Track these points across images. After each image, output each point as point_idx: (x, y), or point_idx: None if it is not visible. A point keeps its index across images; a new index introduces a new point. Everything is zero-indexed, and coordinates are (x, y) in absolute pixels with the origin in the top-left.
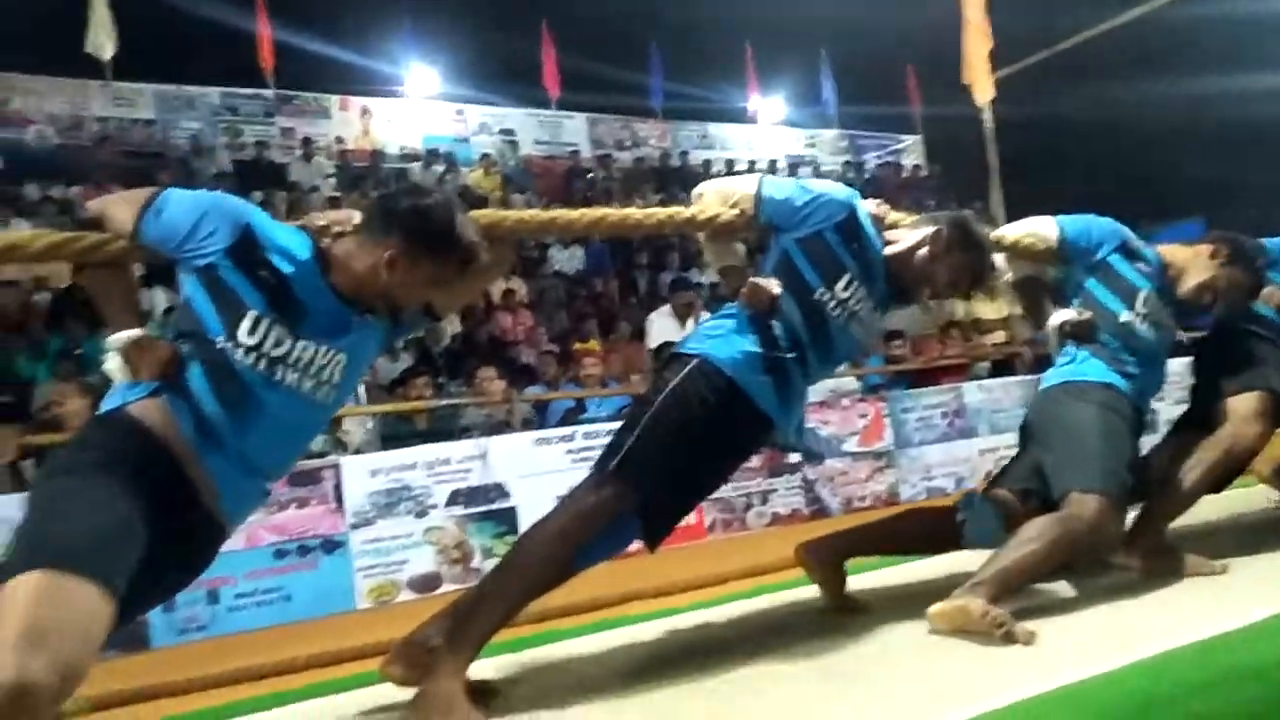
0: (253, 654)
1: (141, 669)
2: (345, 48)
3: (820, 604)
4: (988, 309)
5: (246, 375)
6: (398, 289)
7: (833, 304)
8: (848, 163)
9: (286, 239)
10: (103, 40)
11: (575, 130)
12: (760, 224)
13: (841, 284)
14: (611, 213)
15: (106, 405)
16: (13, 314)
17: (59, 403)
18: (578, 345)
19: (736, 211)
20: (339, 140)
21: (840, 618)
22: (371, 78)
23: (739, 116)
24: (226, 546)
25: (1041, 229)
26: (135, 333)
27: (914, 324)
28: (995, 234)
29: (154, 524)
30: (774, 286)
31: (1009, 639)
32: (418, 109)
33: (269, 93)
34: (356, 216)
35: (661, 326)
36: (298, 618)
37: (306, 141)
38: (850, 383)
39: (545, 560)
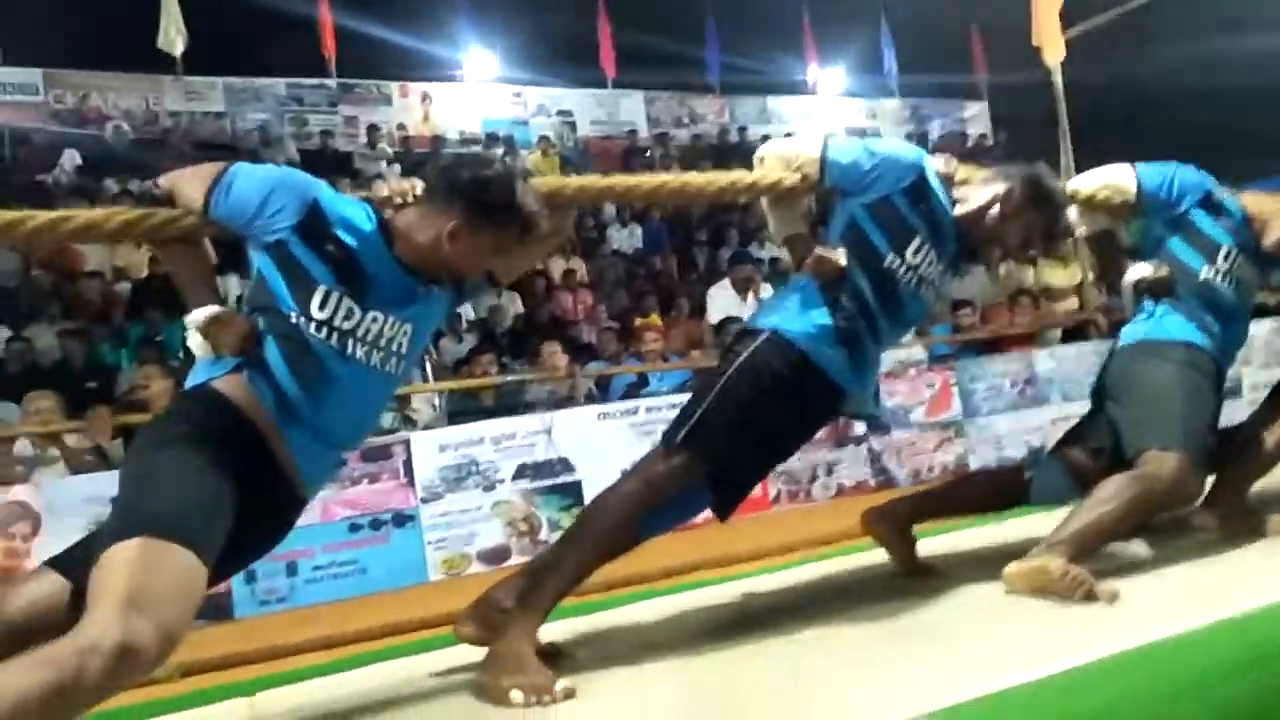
0: (330, 624)
1: (225, 638)
2: (405, 34)
3: (889, 568)
4: (1059, 275)
5: (319, 350)
6: (460, 259)
7: (903, 269)
8: (910, 134)
9: (351, 212)
10: (174, 36)
11: (632, 109)
12: (825, 188)
13: (912, 249)
14: (671, 179)
15: (192, 380)
16: (96, 303)
17: (144, 385)
18: (639, 320)
19: (799, 176)
20: (400, 127)
21: (910, 581)
22: (431, 63)
23: (798, 89)
24: (303, 521)
25: (1118, 179)
26: (214, 309)
27: (982, 292)
28: (1069, 186)
29: (239, 494)
30: (840, 257)
31: (1090, 598)
32: (477, 93)
33: (332, 82)
34: (418, 187)
35: (721, 301)
36: (372, 590)
37: (371, 129)
38: (917, 352)
39: (613, 527)
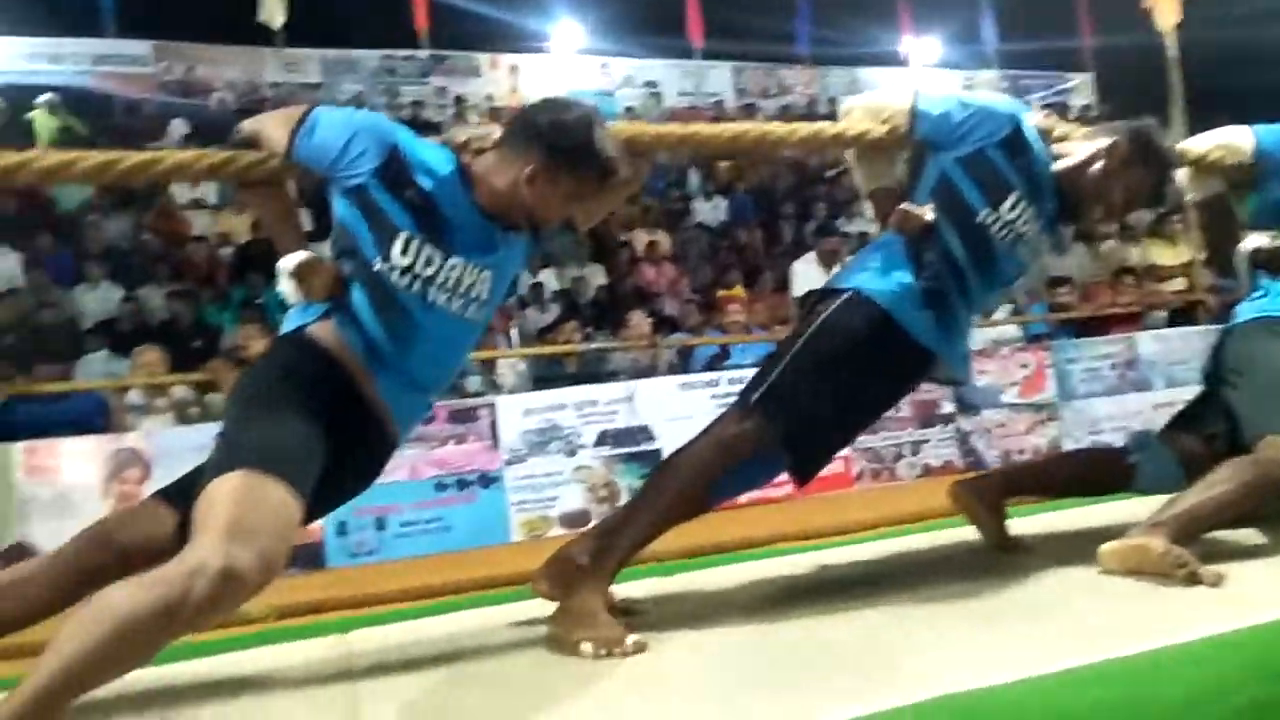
0: (415, 577)
1: (318, 585)
2: (495, 6)
3: (977, 544)
4: (1166, 254)
5: (402, 296)
6: (538, 204)
7: (997, 226)
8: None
9: (431, 156)
10: (274, 10)
11: (719, 80)
12: (915, 141)
13: (1007, 204)
14: (752, 127)
15: (287, 326)
16: (201, 267)
17: (245, 345)
18: (722, 291)
19: (886, 128)
20: (489, 98)
21: (1000, 556)
22: (520, 35)
23: (890, 60)
24: (392, 478)
25: (1235, 140)
26: (303, 255)
27: (1082, 270)
28: (1180, 146)
29: (333, 435)
30: (926, 213)
31: (1193, 580)
32: (564, 64)
33: (424, 54)
34: (497, 131)
35: (806, 274)
36: (456, 547)
37: (459, 100)
38: (1011, 331)
39: (683, 488)
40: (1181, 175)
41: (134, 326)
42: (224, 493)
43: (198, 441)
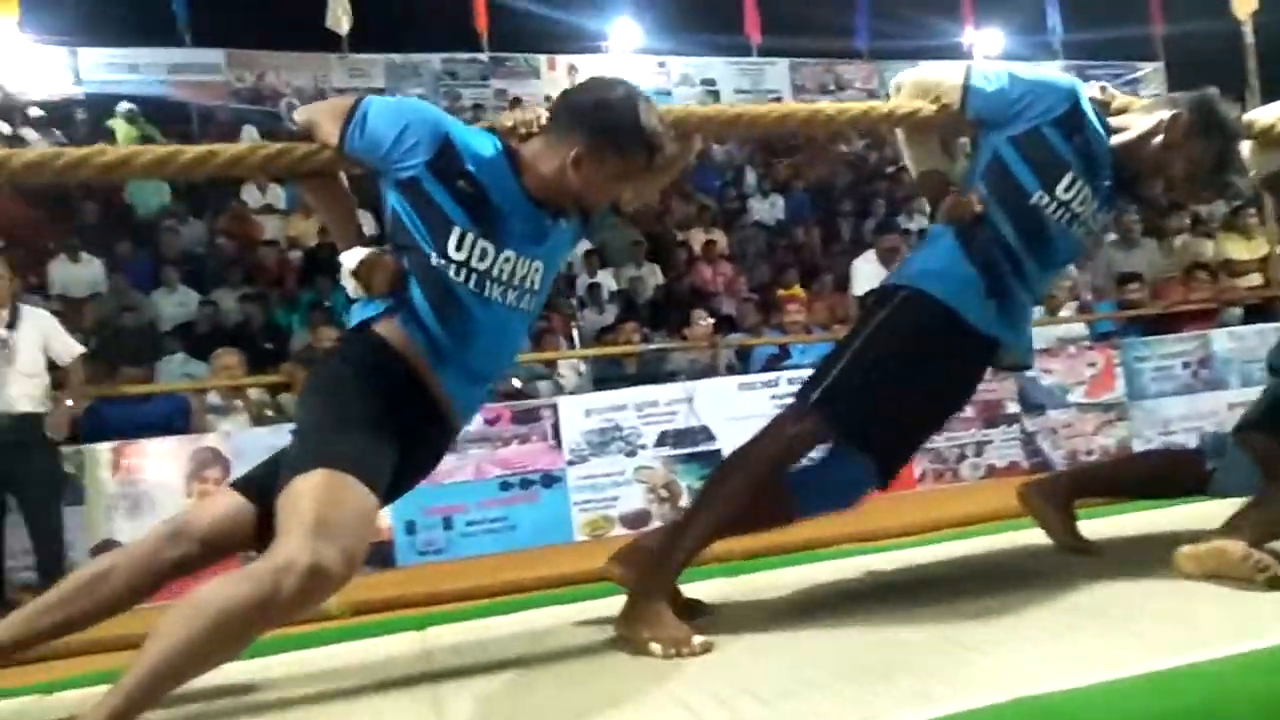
0: (483, 576)
1: (389, 583)
2: (553, 7)
3: (1045, 546)
4: (1241, 248)
5: (459, 292)
6: (585, 186)
7: (1052, 207)
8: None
9: (480, 144)
10: (340, 16)
11: (777, 76)
12: (967, 119)
13: (1063, 185)
14: (800, 107)
15: (352, 321)
16: (271, 271)
17: (317, 346)
18: (781, 291)
19: (937, 106)
20: (547, 99)
21: (1069, 558)
22: (578, 35)
23: (952, 53)
24: (459, 478)
25: None
26: (365, 251)
27: (1154, 265)
28: (1247, 117)
29: (401, 429)
30: (975, 201)
31: (1274, 584)
32: (621, 64)
33: (484, 56)
34: (543, 116)
35: (866, 273)
36: (521, 546)
37: (515, 102)
38: (1078, 329)
39: (744, 487)
40: (1247, 149)
41: (209, 329)
42: (307, 491)
43: (273, 442)
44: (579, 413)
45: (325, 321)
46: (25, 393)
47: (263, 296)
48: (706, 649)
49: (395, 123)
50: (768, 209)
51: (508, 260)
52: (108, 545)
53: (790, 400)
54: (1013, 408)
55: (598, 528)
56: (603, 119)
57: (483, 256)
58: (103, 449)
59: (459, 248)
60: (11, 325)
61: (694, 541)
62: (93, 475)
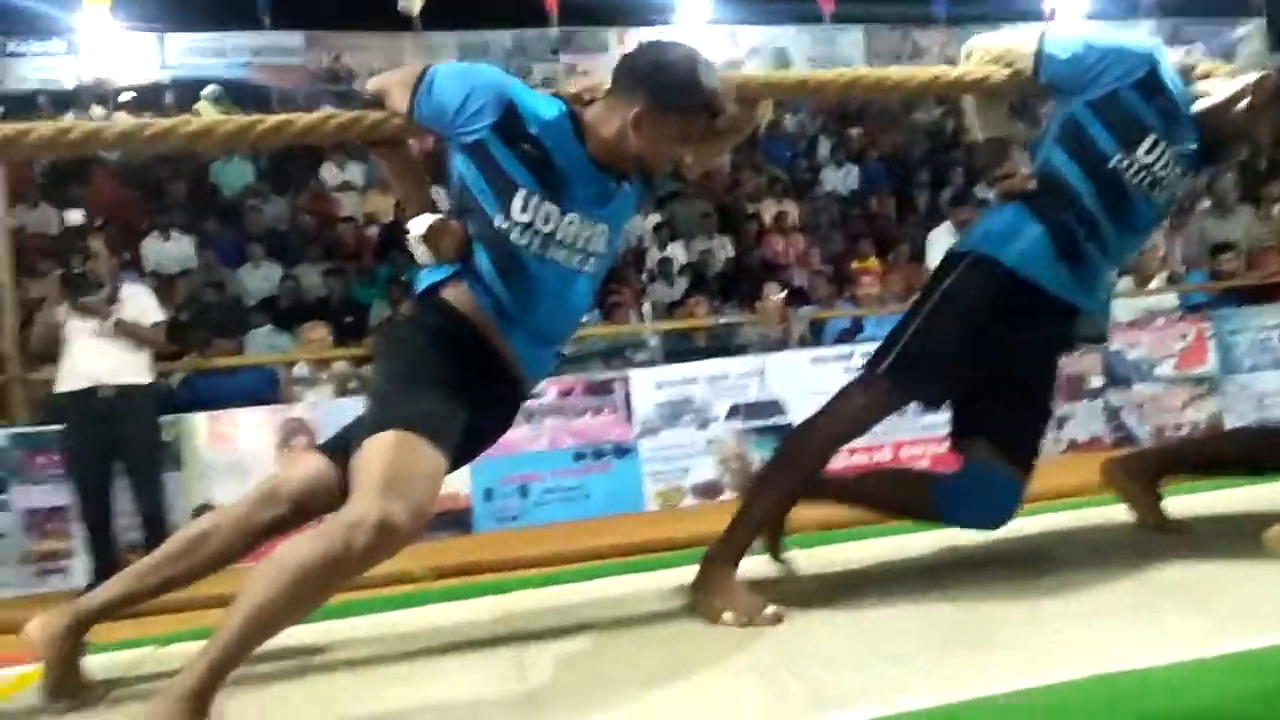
0: (557, 543)
1: (468, 549)
2: None
3: (1130, 524)
4: None
5: (522, 254)
6: (646, 147)
7: (1133, 170)
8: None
9: (544, 109)
10: None
11: (851, 44)
12: (1040, 85)
13: (1143, 148)
14: (867, 73)
15: (420, 286)
16: (350, 246)
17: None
18: (855, 263)
19: (1008, 72)
20: None
21: (1154, 536)
22: (647, 8)
23: (1035, 16)
24: (534, 447)
25: None
26: (433, 217)
27: (1250, 234)
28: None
29: (472, 391)
30: (1028, 181)
31: None
32: (691, 36)
33: (554, 31)
34: (607, 82)
35: (942, 244)
36: (594, 514)
37: (584, 74)
38: (1168, 300)
39: (812, 457)
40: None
41: (292, 303)
42: (377, 451)
43: (357, 411)
44: (650, 385)
45: (403, 295)
46: (128, 365)
47: (342, 271)
48: (779, 619)
49: (461, 88)
50: (841, 179)
51: (571, 222)
52: (205, 509)
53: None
54: (1097, 381)
55: (669, 498)
56: (661, 79)
57: (546, 219)
58: (199, 418)
59: (523, 210)
60: (112, 301)
61: (761, 513)
62: (189, 443)
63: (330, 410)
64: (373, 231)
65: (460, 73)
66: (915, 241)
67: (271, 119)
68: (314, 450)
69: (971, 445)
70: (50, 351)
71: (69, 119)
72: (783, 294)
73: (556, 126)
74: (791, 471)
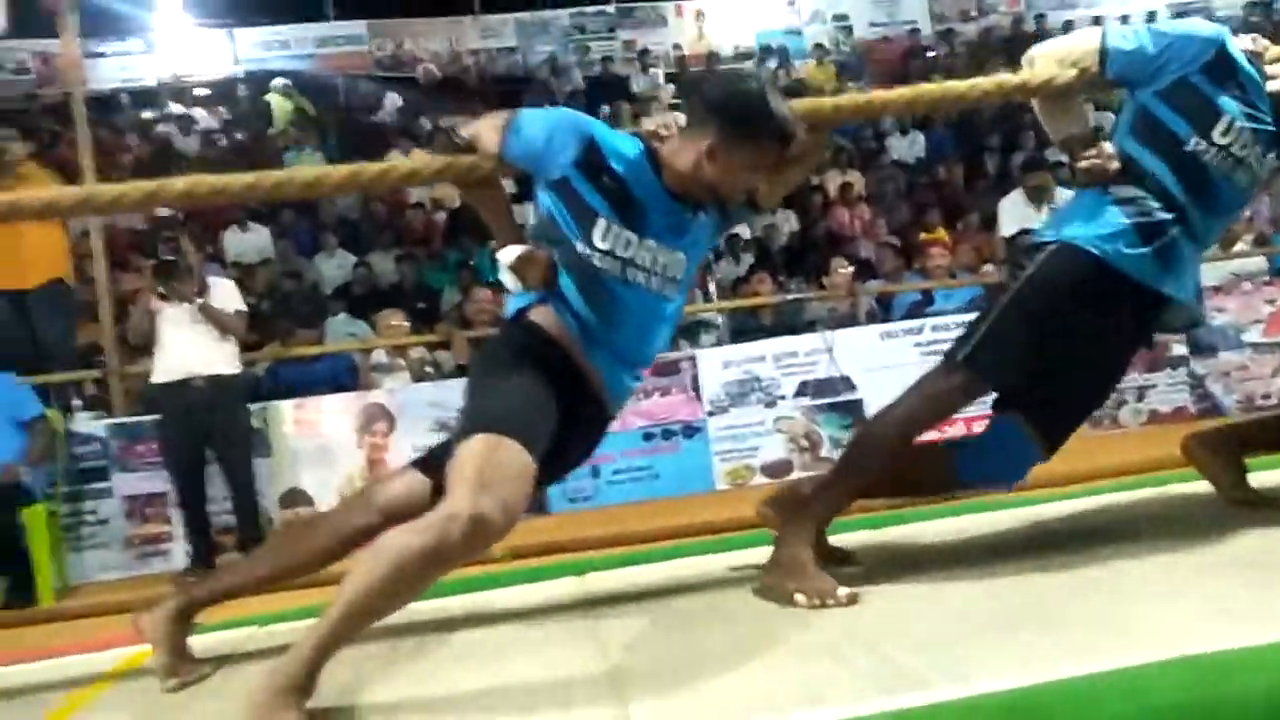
0: (629, 522)
1: (544, 529)
2: None
3: (1213, 500)
4: None
5: (605, 278)
6: (720, 178)
7: (1211, 153)
8: (1252, 3)
9: (623, 145)
10: None
11: (913, 5)
12: (1107, 80)
13: (1219, 129)
14: (929, 89)
15: (509, 310)
16: (419, 232)
17: (473, 309)
18: (923, 235)
19: (1074, 72)
20: (676, 47)
21: (1240, 514)
22: None
23: None
24: None
25: None
26: (522, 248)
27: None
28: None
29: (559, 408)
30: (1111, 162)
31: None
32: (750, 5)
33: (611, 8)
34: (681, 119)
35: (1013, 212)
36: (664, 494)
37: (643, 53)
38: (1255, 263)
39: (891, 445)
40: None
41: (366, 290)
42: (471, 453)
43: (434, 397)
44: (718, 364)
45: (473, 281)
46: (219, 356)
47: (413, 257)
48: (852, 601)
49: (545, 129)
50: (907, 147)
51: (649, 250)
52: (293, 493)
53: (935, 348)
54: (1180, 350)
55: (739, 477)
56: (733, 109)
57: (626, 246)
58: (285, 406)
59: (604, 238)
60: (201, 291)
61: (839, 497)
62: (276, 430)
63: (408, 395)
64: (441, 217)
65: (544, 115)
66: (985, 210)
67: (375, 166)
68: (408, 465)
69: (1009, 414)
70: (146, 342)
71: (149, 115)
72: (849, 268)
73: (634, 161)
74: (867, 461)
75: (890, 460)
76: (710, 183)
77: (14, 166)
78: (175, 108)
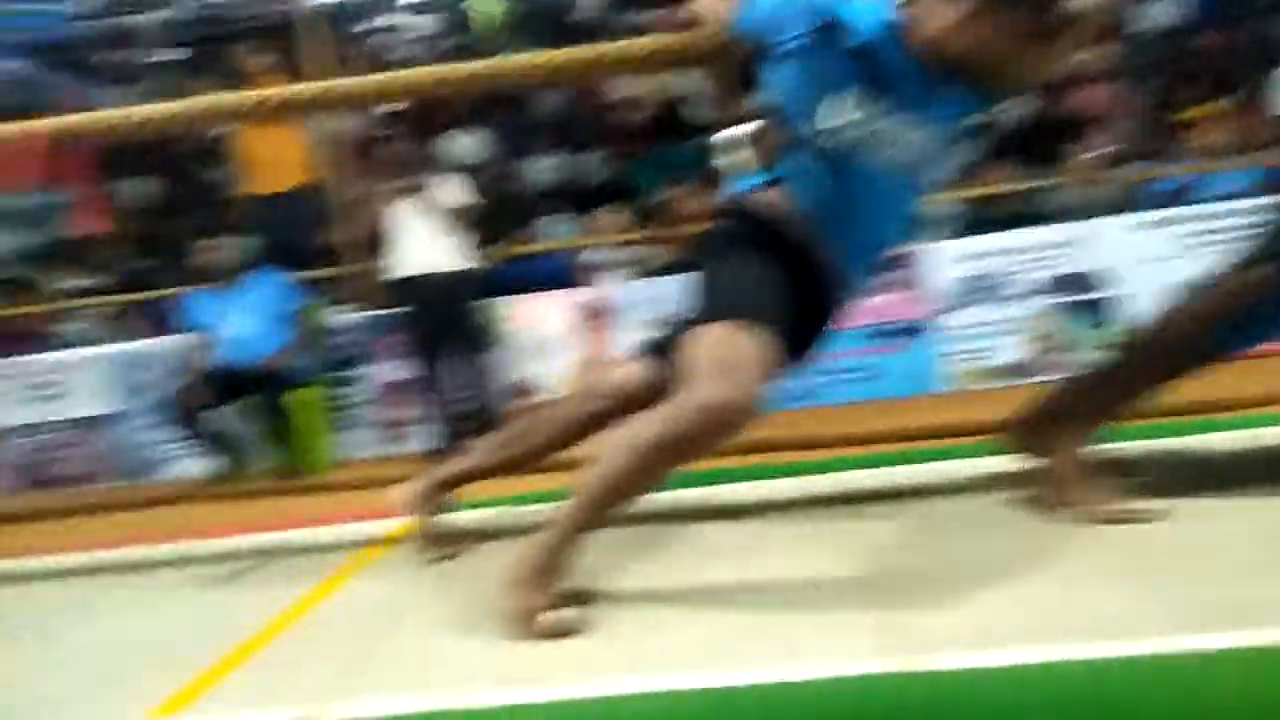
0: (855, 423)
1: (765, 426)
2: None
3: None
4: None
5: (842, 155)
6: (978, 48)
7: None
8: None
9: (865, 10)
10: None
11: None
12: None
13: None
14: None
15: (736, 192)
16: (623, 130)
17: (682, 205)
18: (1183, 112)
19: None
20: None
21: None
22: None
23: None
24: None
25: None
26: (750, 125)
27: None
28: None
29: (793, 290)
30: None
31: None
32: None
33: None
34: None
35: None
36: (887, 394)
37: None
38: None
39: (1181, 340)
40: None
41: (576, 190)
42: (709, 340)
43: (648, 293)
44: (950, 259)
45: (677, 179)
46: (450, 253)
47: (619, 155)
48: (1147, 518)
49: None
50: (1164, 10)
51: (893, 125)
52: (522, 385)
53: (1197, 239)
54: None
55: (971, 379)
56: None
57: (868, 121)
58: (507, 302)
59: (843, 112)
60: (421, 189)
61: (1118, 402)
62: (500, 325)
63: (625, 292)
64: (642, 116)
65: None
66: (1255, 82)
67: (585, 53)
68: (631, 354)
69: None
70: (381, 240)
71: (364, 26)
72: (1097, 151)
73: (878, 26)
74: (1149, 359)
75: (1178, 362)
76: (966, 53)
77: (256, 78)
78: (380, 21)
